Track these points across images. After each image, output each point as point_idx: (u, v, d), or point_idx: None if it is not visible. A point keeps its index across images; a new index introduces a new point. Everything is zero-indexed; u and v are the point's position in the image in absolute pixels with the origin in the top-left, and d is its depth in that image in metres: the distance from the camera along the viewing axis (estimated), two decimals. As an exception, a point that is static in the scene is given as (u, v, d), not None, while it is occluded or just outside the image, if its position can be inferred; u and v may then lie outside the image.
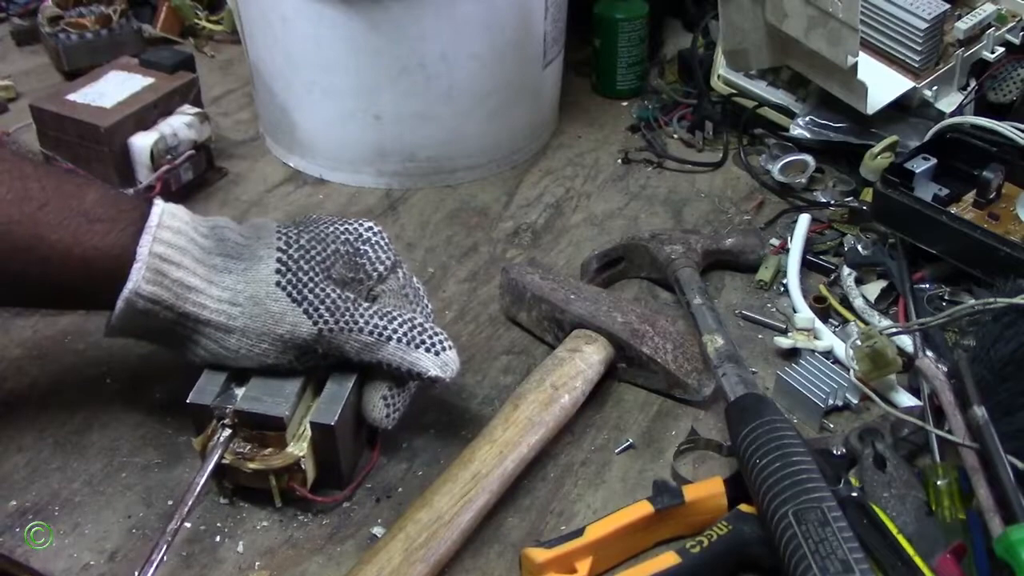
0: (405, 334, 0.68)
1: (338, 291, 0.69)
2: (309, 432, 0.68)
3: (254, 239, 0.70)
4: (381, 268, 0.73)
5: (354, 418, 0.71)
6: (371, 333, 0.68)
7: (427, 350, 0.69)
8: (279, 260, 0.68)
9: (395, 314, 0.69)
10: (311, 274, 0.68)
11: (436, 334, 0.69)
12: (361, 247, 0.73)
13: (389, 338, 0.68)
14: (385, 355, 0.68)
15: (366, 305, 0.69)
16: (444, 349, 0.69)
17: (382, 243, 0.74)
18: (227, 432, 0.67)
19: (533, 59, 1.05)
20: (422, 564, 0.62)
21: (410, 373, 0.69)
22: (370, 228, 0.74)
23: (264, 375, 0.69)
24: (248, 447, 0.68)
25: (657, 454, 0.75)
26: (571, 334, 0.80)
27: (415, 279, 0.76)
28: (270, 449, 0.68)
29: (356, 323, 0.68)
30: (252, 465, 0.67)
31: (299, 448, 0.68)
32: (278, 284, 0.67)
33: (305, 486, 0.68)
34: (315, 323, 0.67)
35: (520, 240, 0.98)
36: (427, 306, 0.76)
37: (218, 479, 0.69)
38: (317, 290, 0.68)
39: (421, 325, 0.69)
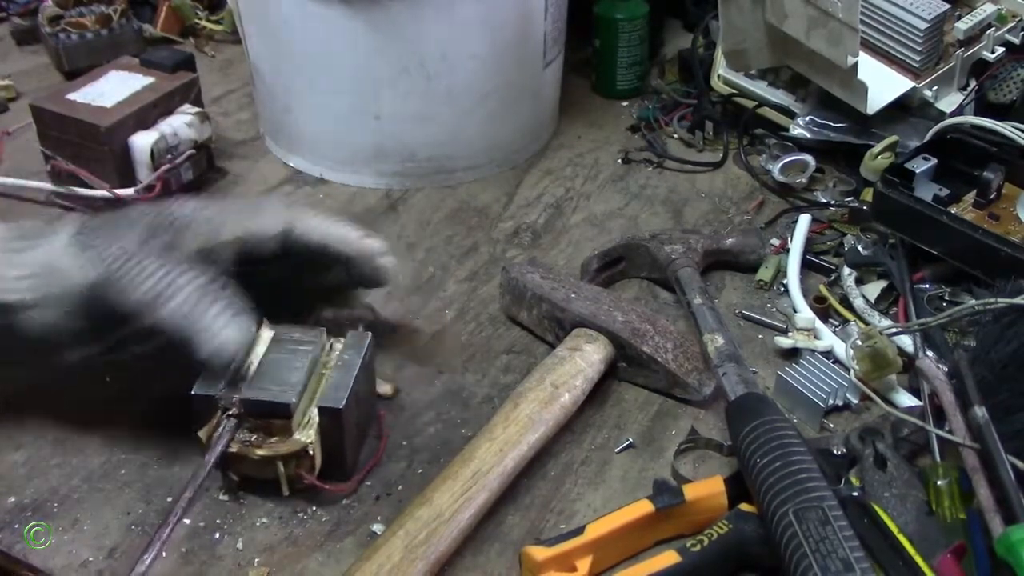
0: (188, 297, 0.65)
1: (150, 257, 0.66)
2: (316, 420, 0.68)
3: (57, 226, 0.69)
4: (200, 213, 0.70)
5: (359, 406, 0.71)
6: (147, 292, 0.65)
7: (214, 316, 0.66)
8: (78, 231, 0.67)
9: (190, 276, 0.66)
10: (111, 232, 0.67)
11: (228, 305, 0.66)
12: (170, 211, 0.70)
13: (171, 298, 0.65)
14: (162, 316, 0.65)
15: (155, 266, 0.66)
16: (222, 328, 0.66)
17: (199, 206, 0.71)
18: (233, 421, 0.67)
19: (533, 59, 1.05)
20: (422, 562, 0.62)
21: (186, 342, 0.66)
22: (182, 206, 0.71)
23: (268, 366, 0.70)
24: (254, 436, 0.68)
25: (657, 453, 0.75)
26: (571, 333, 0.80)
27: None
28: (276, 438, 0.68)
29: (144, 269, 0.65)
30: (260, 452, 0.67)
31: (306, 435, 0.68)
32: (72, 244, 0.66)
33: (312, 473, 0.68)
34: (103, 261, 0.65)
35: (520, 240, 0.98)
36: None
37: (223, 471, 0.69)
38: (110, 240, 0.67)
39: (214, 292, 0.66)
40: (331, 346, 0.74)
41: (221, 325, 0.65)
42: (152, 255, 0.67)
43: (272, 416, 0.67)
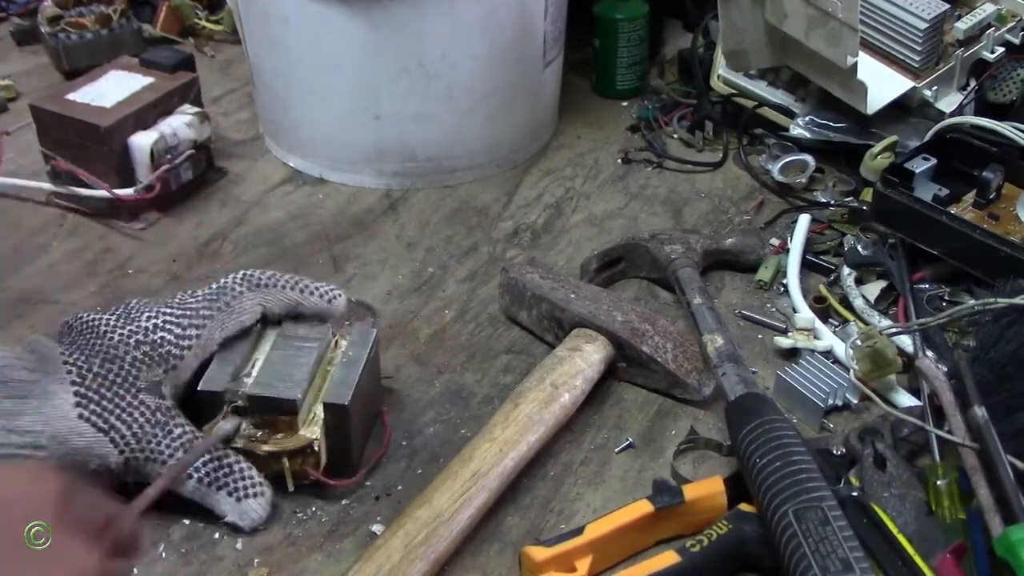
0: (208, 474, 0.67)
1: (151, 407, 0.67)
2: (321, 416, 0.69)
3: (41, 373, 0.66)
4: (187, 343, 0.70)
5: (364, 401, 0.72)
6: (177, 462, 0.66)
7: (228, 494, 0.67)
8: (76, 393, 0.65)
9: (204, 447, 0.67)
10: (115, 399, 0.66)
11: (244, 478, 0.68)
12: (156, 337, 0.69)
13: (190, 476, 0.67)
14: (186, 491, 0.67)
15: (179, 431, 0.67)
16: (247, 496, 0.67)
17: (173, 319, 0.70)
18: (237, 418, 0.68)
19: (533, 59, 1.05)
20: (421, 562, 0.62)
21: (212, 509, 0.68)
22: (150, 316, 0.70)
23: (273, 362, 0.70)
24: (259, 433, 0.68)
25: (657, 453, 0.75)
26: (571, 333, 0.80)
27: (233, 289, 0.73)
28: (282, 434, 0.68)
29: (161, 453, 0.66)
30: (267, 447, 0.68)
31: (311, 431, 0.68)
32: (80, 416, 0.65)
33: (318, 469, 0.69)
34: (121, 451, 0.66)
35: (520, 240, 0.98)
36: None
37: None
38: (124, 415, 0.66)
39: (229, 465, 0.67)
40: (336, 342, 0.74)
41: (241, 497, 0.68)
42: (148, 401, 0.67)
43: (278, 412, 0.68)
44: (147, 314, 0.70)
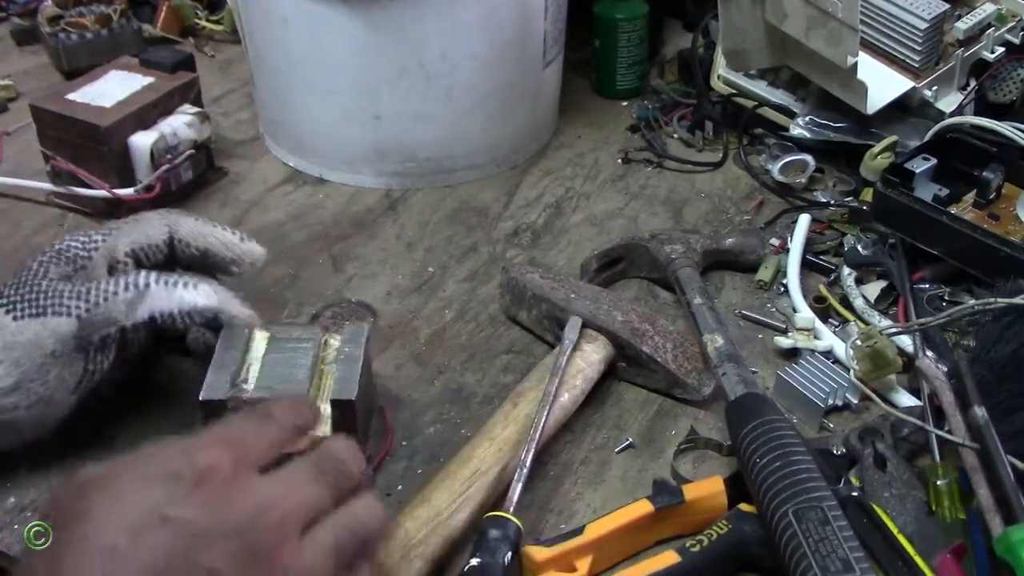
0: (158, 277, 0.69)
1: (69, 284, 0.69)
2: (326, 413, 0.68)
3: None
4: (94, 245, 0.72)
5: (365, 398, 0.72)
6: (127, 288, 0.68)
7: (184, 287, 0.69)
8: (2, 306, 0.67)
9: (138, 270, 0.70)
10: (35, 289, 0.68)
11: (183, 274, 0.70)
12: (62, 245, 0.72)
13: (148, 284, 0.68)
14: (153, 303, 0.68)
15: (107, 278, 0.69)
16: (198, 283, 0.70)
17: (80, 233, 0.73)
18: None
19: (533, 59, 1.05)
20: (420, 561, 0.62)
21: (181, 314, 0.68)
22: (64, 239, 0.73)
23: (270, 366, 0.70)
24: None
25: (657, 453, 0.75)
26: (571, 333, 0.80)
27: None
28: None
29: (108, 290, 0.68)
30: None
31: (321, 430, 0.68)
32: (15, 319, 0.66)
33: None
34: (69, 315, 0.67)
35: (520, 240, 0.98)
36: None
37: None
38: (51, 293, 0.67)
39: (167, 272, 0.70)
40: (326, 342, 0.74)
41: (193, 286, 0.69)
42: (62, 282, 0.69)
43: None
44: (61, 238, 0.73)
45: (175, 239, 0.75)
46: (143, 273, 0.69)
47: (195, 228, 0.75)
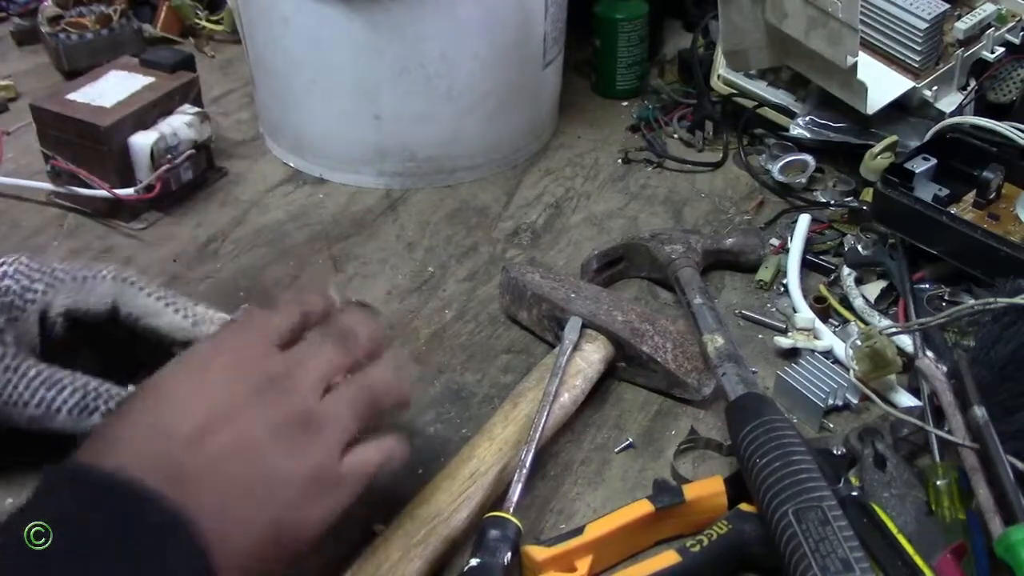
0: (77, 403, 0.66)
1: None
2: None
3: None
4: (30, 296, 0.69)
5: None
6: (38, 404, 0.66)
7: (102, 416, 0.66)
8: None
9: (66, 381, 0.67)
10: None
11: (111, 397, 0.67)
12: (1, 284, 0.68)
13: (59, 409, 0.66)
14: (56, 425, 0.66)
15: (34, 372, 0.66)
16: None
17: (23, 269, 0.69)
18: None
19: (533, 59, 1.05)
20: (420, 561, 0.62)
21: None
22: (4, 262, 0.69)
23: None
24: None
25: (657, 453, 0.75)
26: (571, 333, 0.80)
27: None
28: None
29: (22, 396, 0.65)
30: None
31: None
32: None
33: None
34: None
35: (520, 240, 0.98)
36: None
37: None
38: None
39: (95, 390, 0.67)
40: None
41: None
42: (20, 333, 0.67)
43: None
44: (2, 259, 0.70)
45: (122, 312, 0.71)
46: (65, 391, 0.66)
47: (147, 306, 0.72)
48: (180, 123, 0.99)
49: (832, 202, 0.99)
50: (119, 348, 0.73)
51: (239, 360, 0.56)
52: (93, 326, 0.72)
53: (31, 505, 0.48)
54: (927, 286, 0.86)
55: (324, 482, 0.55)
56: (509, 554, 0.62)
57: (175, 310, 0.72)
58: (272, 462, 0.53)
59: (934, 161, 0.89)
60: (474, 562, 0.61)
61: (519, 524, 0.63)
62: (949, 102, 1.00)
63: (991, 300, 0.73)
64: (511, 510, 0.64)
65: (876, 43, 1.01)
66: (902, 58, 0.99)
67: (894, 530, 0.62)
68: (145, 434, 0.51)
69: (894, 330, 0.79)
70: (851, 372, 0.77)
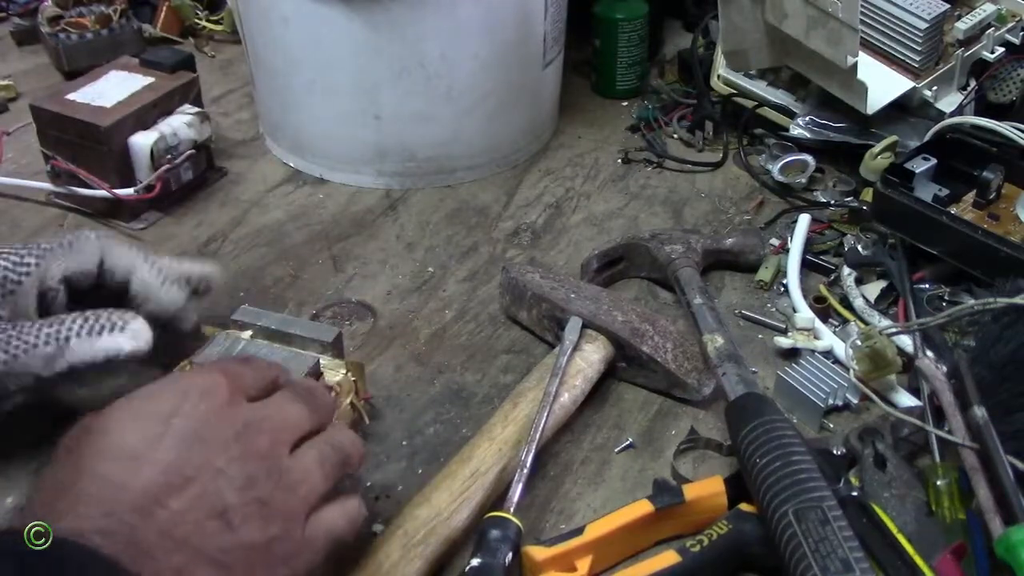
0: (82, 326, 0.66)
1: None
2: (328, 357, 0.72)
3: None
4: (24, 270, 0.69)
5: None
6: (47, 342, 0.66)
7: (111, 331, 0.66)
8: None
9: (64, 316, 0.67)
10: None
11: (112, 314, 0.67)
12: None
13: (68, 338, 0.66)
14: (73, 356, 0.66)
15: (31, 322, 0.67)
16: (127, 323, 0.67)
17: (12, 250, 0.70)
18: None
19: (533, 59, 1.05)
20: (420, 561, 0.62)
21: (107, 361, 0.66)
22: None
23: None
24: None
25: (657, 453, 0.75)
26: (571, 333, 0.80)
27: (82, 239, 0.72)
28: None
29: (28, 341, 0.66)
30: (346, 399, 0.70)
31: (337, 373, 0.71)
32: None
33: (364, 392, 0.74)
34: None
35: (520, 240, 0.98)
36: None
37: None
38: None
39: (94, 314, 0.67)
40: (228, 333, 0.75)
41: (123, 325, 0.67)
42: (15, 307, 0.67)
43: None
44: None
45: (104, 267, 0.71)
46: (67, 322, 0.66)
47: (126, 258, 0.72)
48: (180, 123, 0.99)
49: (832, 202, 0.99)
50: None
51: (208, 409, 0.53)
52: (86, 293, 0.72)
53: None
54: (927, 286, 0.85)
55: (289, 550, 0.52)
56: (510, 554, 0.62)
57: (150, 264, 0.73)
58: (240, 532, 0.50)
59: (934, 161, 0.89)
60: (475, 562, 0.61)
61: (520, 524, 0.63)
62: (949, 102, 1.00)
63: (991, 300, 0.73)
64: (511, 510, 0.64)
65: (876, 43, 1.01)
66: (902, 58, 0.99)
67: (894, 530, 0.62)
68: (100, 492, 0.48)
69: (894, 330, 0.79)
70: (851, 372, 0.77)
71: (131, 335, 0.67)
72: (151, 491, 0.49)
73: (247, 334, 0.74)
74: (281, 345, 0.73)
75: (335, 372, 0.72)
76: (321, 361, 0.72)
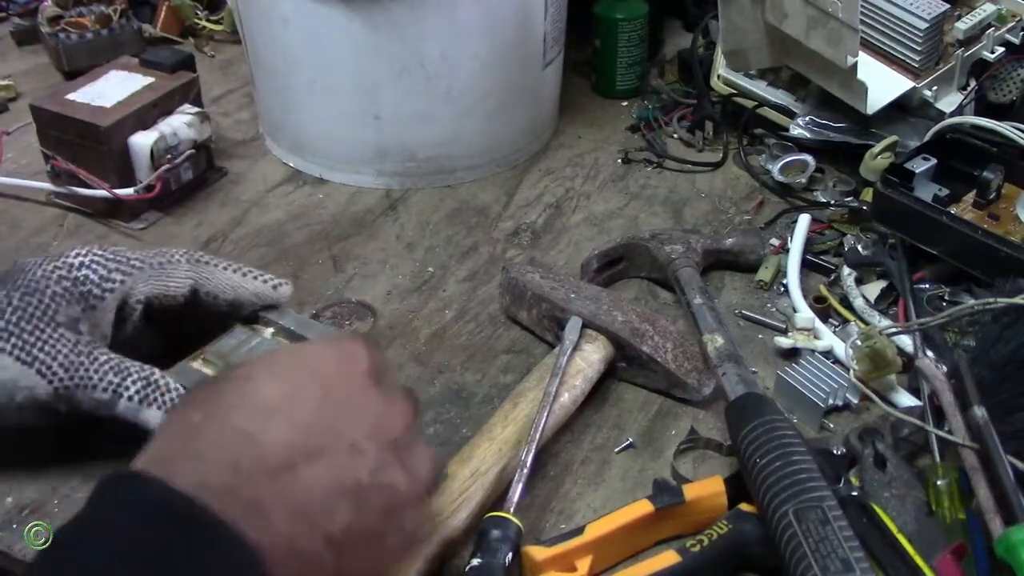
0: (138, 391, 0.67)
1: (71, 339, 0.67)
2: None
3: None
4: (109, 286, 0.69)
5: None
6: (104, 388, 0.66)
7: (159, 408, 0.67)
8: None
9: (133, 369, 0.67)
10: (36, 332, 0.66)
11: (171, 391, 0.68)
12: (79, 274, 0.69)
13: (121, 395, 0.67)
14: (116, 412, 0.67)
15: (104, 358, 0.67)
16: (174, 402, 0.67)
17: (98, 259, 0.70)
18: None
19: (533, 59, 1.05)
20: (420, 561, 0.62)
21: (145, 428, 0.67)
22: (79, 254, 0.70)
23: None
24: None
25: (657, 453, 0.75)
26: (571, 333, 0.80)
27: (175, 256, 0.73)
28: None
29: (91, 379, 0.66)
30: None
31: None
32: (3, 352, 0.65)
33: None
34: (50, 382, 0.65)
35: (520, 240, 0.98)
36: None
37: None
38: (47, 347, 0.66)
39: (156, 382, 0.68)
40: (254, 328, 0.75)
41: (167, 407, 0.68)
42: (68, 335, 0.67)
43: None
44: (76, 251, 0.70)
45: (201, 292, 0.73)
46: (129, 378, 0.67)
47: (224, 280, 0.73)
48: (180, 123, 0.99)
49: (832, 202, 0.99)
50: (182, 325, 0.75)
51: (342, 383, 0.52)
52: (163, 310, 0.72)
53: (90, 521, 0.44)
54: (927, 286, 0.85)
55: (398, 542, 0.51)
56: (510, 554, 0.62)
57: (254, 277, 0.74)
58: (363, 515, 0.49)
59: (934, 161, 0.89)
60: (475, 562, 0.61)
61: (520, 524, 0.63)
62: (949, 102, 1.00)
63: (991, 300, 0.73)
64: (511, 510, 0.64)
65: (876, 43, 1.01)
66: (902, 58, 0.99)
67: (894, 530, 0.62)
68: (231, 444, 0.47)
69: (894, 330, 0.79)
70: (851, 372, 0.77)
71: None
72: (282, 453, 0.47)
73: (269, 331, 0.74)
74: None
75: None
76: None
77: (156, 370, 0.68)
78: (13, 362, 0.65)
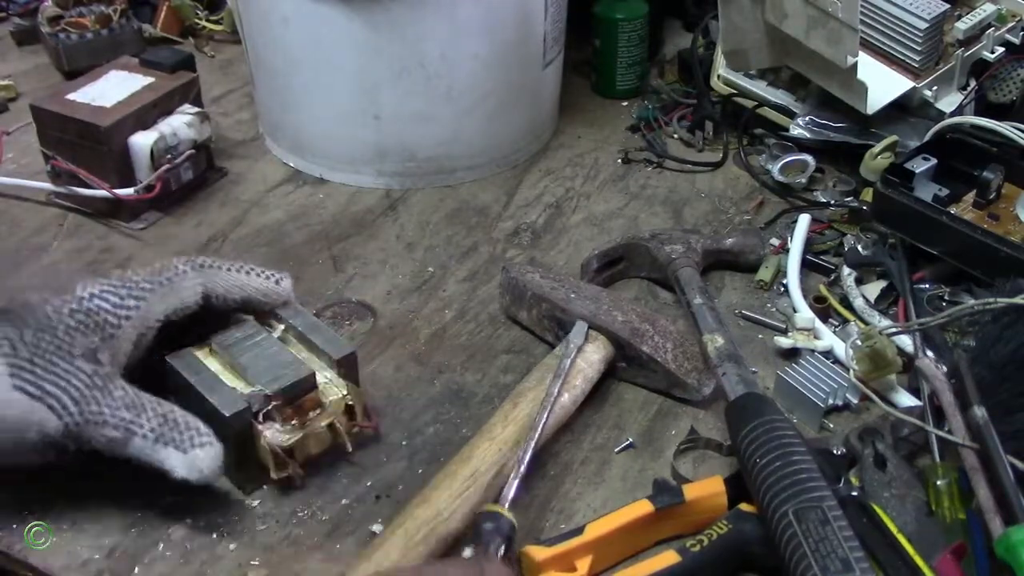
0: (153, 430, 0.66)
1: (88, 371, 0.66)
2: (331, 377, 0.72)
3: None
4: (125, 313, 0.68)
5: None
6: (116, 427, 0.65)
7: (176, 448, 0.66)
8: (10, 364, 0.64)
9: (148, 406, 0.67)
10: (49, 366, 0.65)
11: (188, 429, 0.66)
12: (91, 305, 0.68)
13: (134, 433, 0.66)
14: (131, 452, 0.66)
15: (120, 392, 0.66)
16: (194, 447, 0.66)
17: (111, 290, 0.69)
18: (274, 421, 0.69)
19: (533, 59, 1.05)
20: (420, 561, 0.62)
21: (161, 469, 0.66)
22: (85, 286, 0.69)
23: (252, 363, 0.71)
24: (295, 421, 0.70)
25: (657, 453, 0.75)
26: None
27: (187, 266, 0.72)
28: (312, 412, 0.70)
29: (103, 415, 0.65)
30: (323, 421, 0.70)
31: (335, 392, 0.71)
32: (15, 388, 0.64)
33: (362, 419, 0.73)
34: (60, 417, 0.64)
35: (520, 240, 0.98)
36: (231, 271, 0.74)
37: (280, 470, 0.70)
38: (60, 381, 0.65)
39: (174, 420, 0.66)
40: (271, 325, 0.76)
41: (187, 449, 0.66)
42: (84, 367, 0.66)
43: (303, 393, 0.70)
44: (80, 284, 0.69)
45: (212, 296, 0.73)
46: (144, 415, 0.66)
47: (231, 281, 0.73)
48: (180, 123, 0.99)
49: (832, 202, 0.99)
50: (191, 330, 0.75)
51: None
52: (176, 322, 0.72)
53: None
54: (927, 286, 0.85)
55: None
56: (503, 547, 0.62)
57: (256, 274, 0.75)
58: None
59: (934, 161, 0.89)
60: (467, 553, 0.61)
61: (512, 519, 0.63)
62: (949, 102, 1.00)
63: (991, 300, 0.73)
64: (506, 505, 0.64)
65: (876, 43, 1.01)
66: (902, 58, 0.99)
67: (894, 530, 0.62)
68: None
69: (894, 330, 0.79)
70: (851, 372, 0.77)
71: (188, 464, 0.66)
72: None
73: (280, 328, 0.75)
74: (295, 348, 0.74)
75: (333, 391, 0.71)
76: (324, 376, 0.72)
77: (175, 407, 0.67)
78: (23, 398, 0.64)
